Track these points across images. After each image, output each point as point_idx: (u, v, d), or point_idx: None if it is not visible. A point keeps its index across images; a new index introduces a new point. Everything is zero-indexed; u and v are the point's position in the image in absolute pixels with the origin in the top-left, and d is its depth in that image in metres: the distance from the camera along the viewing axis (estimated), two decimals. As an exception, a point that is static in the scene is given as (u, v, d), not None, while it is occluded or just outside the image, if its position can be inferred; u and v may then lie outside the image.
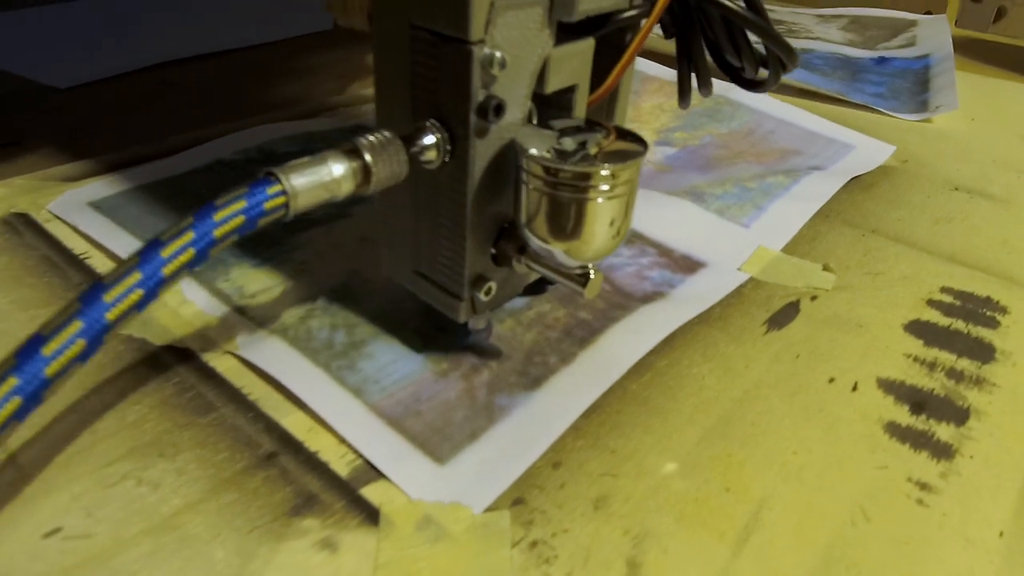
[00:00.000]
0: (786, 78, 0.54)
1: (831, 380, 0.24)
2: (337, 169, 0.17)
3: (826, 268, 0.30)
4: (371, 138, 0.18)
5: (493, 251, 0.22)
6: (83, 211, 0.31)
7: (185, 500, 0.18)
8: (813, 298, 0.28)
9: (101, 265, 0.28)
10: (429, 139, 0.19)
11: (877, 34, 0.68)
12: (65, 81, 0.47)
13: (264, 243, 0.29)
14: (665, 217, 0.32)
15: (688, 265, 0.29)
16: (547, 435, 0.21)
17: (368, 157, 0.17)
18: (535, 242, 0.20)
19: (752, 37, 0.24)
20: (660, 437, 0.21)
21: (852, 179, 0.38)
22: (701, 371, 0.24)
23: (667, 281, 0.28)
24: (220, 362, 0.23)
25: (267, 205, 0.16)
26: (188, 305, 0.26)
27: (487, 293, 0.22)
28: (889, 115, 0.48)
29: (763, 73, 0.26)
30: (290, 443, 0.20)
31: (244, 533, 0.17)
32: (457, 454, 0.20)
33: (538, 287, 0.27)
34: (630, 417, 0.22)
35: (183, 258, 0.16)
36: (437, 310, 0.23)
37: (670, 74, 0.50)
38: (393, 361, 0.23)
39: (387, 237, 0.23)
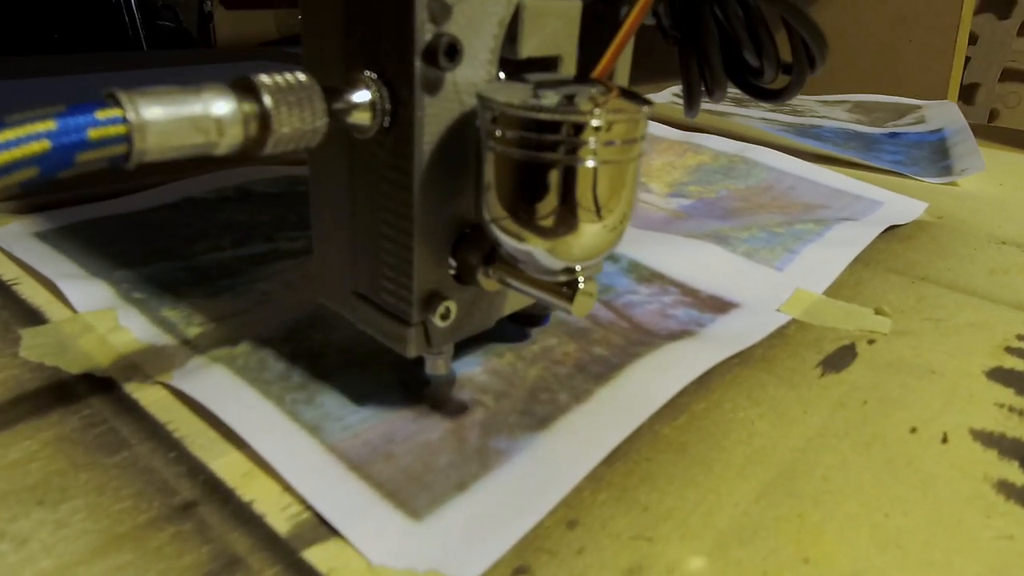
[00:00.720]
0: (798, 142, 0.52)
1: (913, 430, 0.19)
2: (218, 106, 0.12)
3: (879, 312, 0.26)
4: (277, 77, 0.13)
5: (453, 264, 0.17)
6: (24, 240, 0.27)
7: (58, 562, 0.13)
8: (870, 342, 0.24)
9: (31, 292, 0.23)
10: (361, 95, 0.14)
11: (883, 116, 0.67)
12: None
13: (223, 272, 0.25)
14: (686, 257, 0.28)
15: (718, 305, 0.25)
16: (558, 485, 0.16)
17: (267, 99, 0.13)
18: (503, 238, 0.15)
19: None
20: (706, 492, 0.16)
21: (887, 230, 0.34)
22: (749, 416, 0.19)
23: (695, 320, 0.24)
24: (145, 394, 0.18)
25: (92, 134, 0.11)
26: (121, 332, 0.21)
27: (444, 316, 0.17)
28: (913, 178, 0.45)
29: (780, 81, 0.23)
30: (217, 491, 0.15)
31: (129, 608, 0.12)
32: (438, 508, 0.15)
33: (536, 317, 0.22)
34: (664, 467, 0.17)
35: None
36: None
37: (678, 135, 0.48)
38: (362, 397, 0.19)
39: (319, 247, 0.18)
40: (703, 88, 0.22)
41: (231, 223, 0.30)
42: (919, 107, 0.70)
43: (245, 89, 0.13)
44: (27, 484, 0.15)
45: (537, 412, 0.18)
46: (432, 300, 0.16)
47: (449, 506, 0.15)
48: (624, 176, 0.14)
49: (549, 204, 0.14)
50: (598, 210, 0.14)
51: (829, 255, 0.30)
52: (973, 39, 1.06)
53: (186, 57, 0.79)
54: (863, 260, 0.31)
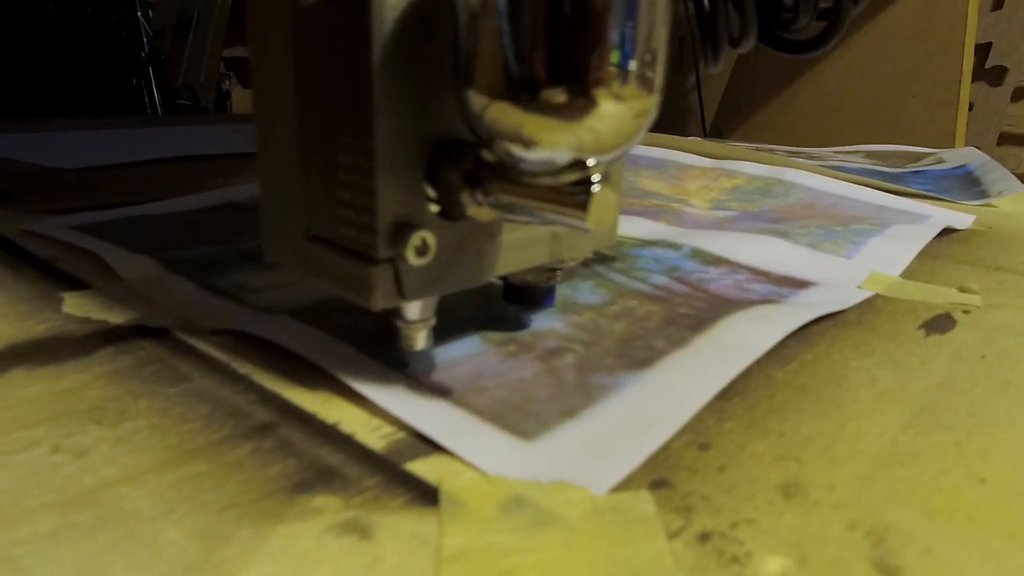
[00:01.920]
0: (829, 169, 0.52)
1: (1045, 377, 0.17)
2: None
3: (964, 290, 0.24)
4: None
5: (430, 192, 0.13)
6: (60, 230, 0.26)
7: (122, 471, 0.11)
8: (966, 311, 0.22)
9: (70, 266, 0.22)
10: None
11: (900, 160, 0.68)
12: (76, 163, 0.44)
13: (275, 252, 0.24)
14: (750, 246, 0.27)
15: (794, 283, 0.24)
16: (679, 411, 0.14)
17: None
18: (496, 127, 0.11)
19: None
20: (843, 423, 0.14)
21: (942, 233, 0.33)
22: (863, 364, 0.17)
23: (775, 293, 0.23)
24: (202, 340, 0.17)
25: None
26: (170, 293, 0.20)
27: (419, 251, 0.13)
28: (950, 201, 0.44)
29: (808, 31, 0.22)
30: (296, 414, 0.13)
31: (214, 512, 0.10)
32: (548, 430, 0.13)
33: (537, 292, 0.17)
34: (789, 403, 0.15)
35: None
36: (491, 299, 0.16)
37: (709, 163, 0.48)
38: (441, 342, 0.17)
39: (266, 191, 0.15)
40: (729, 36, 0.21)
41: (273, 220, 0.29)
42: (934, 152, 0.70)
43: None
44: (81, 408, 0.13)
45: (634, 355, 0.17)
46: (403, 231, 0.13)
47: (560, 429, 0.13)
48: (655, 19, 0.10)
49: (553, 63, 0.10)
50: (624, 60, 0.10)
51: (895, 246, 0.29)
52: (969, 106, 1.09)
53: (201, 120, 0.80)
54: (928, 255, 0.30)
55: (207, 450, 0.12)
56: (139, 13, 1.56)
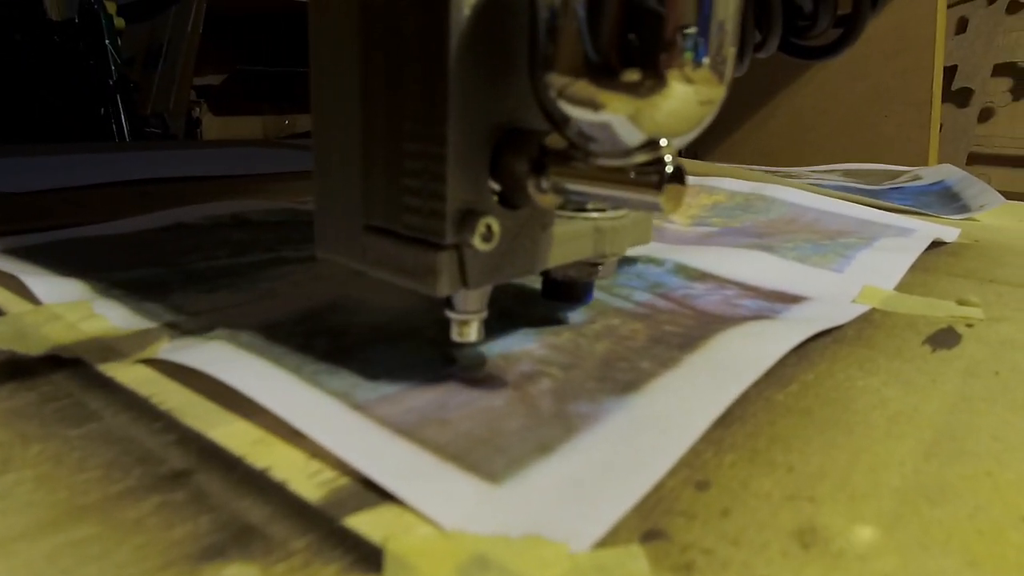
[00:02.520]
0: (810, 185, 0.51)
1: (1067, 395, 0.16)
2: None
3: (963, 302, 0.23)
4: None
5: (494, 185, 0.13)
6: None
7: (-15, 537, 0.09)
8: (969, 325, 0.21)
9: (-12, 292, 0.20)
10: None
11: (877, 178, 0.68)
12: (30, 187, 0.42)
13: (221, 274, 0.22)
14: (736, 261, 0.26)
15: (786, 298, 0.22)
16: (672, 444, 0.12)
17: None
18: (573, 110, 0.11)
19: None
20: (857, 452, 0.12)
21: (931, 246, 0.32)
22: (871, 384, 0.16)
23: (767, 308, 0.21)
24: (122, 371, 0.14)
25: None
26: (96, 320, 0.17)
27: (485, 237, 0.13)
28: (932, 215, 0.44)
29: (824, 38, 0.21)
30: (218, 459, 0.11)
31: (89, 589, 0.08)
32: (520, 471, 0.11)
33: (578, 288, 0.18)
34: (793, 430, 0.13)
35: None
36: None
37: (688, 180, 0.47)
38: (399, 368, 0.15)
39: (322, 185, 0.15)
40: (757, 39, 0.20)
41: (228, 241, 0.27)
42: (911, 170, 0.70)
43: None
44: (-45, 457, 0.11)
45: (619, 378, 0.15)
46: (469, 217, 0.13)
47: (534, 469, 0.11)
48: (727, 11, 0.11)
49: (631, 45, 0.10)
50: (700, 46, 0.10)
51: (886, 259, 0.28)
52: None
53: (168, 146, 0.78)
54: (920, 268, 0.28)
55: (101, 507, 0.10)
56: (107, 41, 1.54)
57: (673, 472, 0.11)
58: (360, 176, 0.14)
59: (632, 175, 0.11)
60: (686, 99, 0.11)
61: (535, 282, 0.22)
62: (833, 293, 0.23)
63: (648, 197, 0.11)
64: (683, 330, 0.18)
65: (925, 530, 0.10)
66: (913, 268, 0.28)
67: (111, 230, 0.28)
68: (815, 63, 0.20)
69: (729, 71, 0.11)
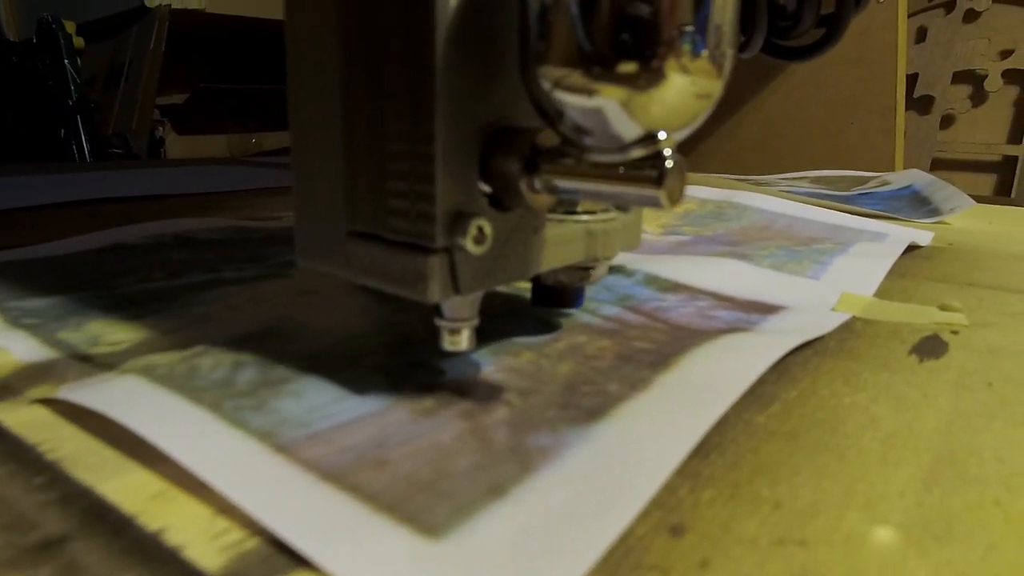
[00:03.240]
0: (781, 191, 0.50)
1: (1067, 406, 0.14)
2: None
3: (945, 308, 0.22)
4: None
5: (484, 187, 0.13)
6: None
7: None
8: (954, 332, 0.20)
9: None
10: None
11: (846, 184, 0.68)
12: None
13: (152, 298, 0.20)
14: (709, 270, 0.24)
15: (762, 308, 0.21)
16: (644, 479, 0.10)
17: None
18: (569, 99, 0.11)
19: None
20: (851, 484, 0.11)
21: (906, 251, 0.32)
22: (858, 401, 0.14)
23: (743, 320, 0.20)
24: (12, 414, 0.13)
25: None
26: (-2, 353, 0.15)
27: (477, 240, 0.12)
28: (903, 220, 0.43)
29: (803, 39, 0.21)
30: (104, 521, 0.09)
31: None
32: (466, 520, 0.09)
33: (569, 294, 0.17)
34: (778, 458, 0.12)
35: None
36: (411, 341, 0.14)
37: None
38: (337, 400, 0.13)
39: (302, 191, 0.14)
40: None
41: (167, 261, 0.25)
42: (878, 175, 0.71)
43: None
44: None
45: (583, 404, 0.13)
46: (459, 219, 0.12)
47: (482, 517, 0.10)
48: (725, 4, 0.10)
49: (637, 27, 0.10)
50: (698, 38, 0.10)
51: (863, 265, 0.27)
52: (901, 132, 1.12)
53: (128, 165, 0.75)
54: (897, 273, 0.27)
55: (-58, 591, 0.08)
56: (67, 61, 1.50)
57: (644, 515, 0.10)
58: (342, 180, 0.13)
59: (631, 169, 0.11)
60: (684, 91, 0.10)
61: (493, 301, 0.20)
62: (811, 301, 0.22)
63: (648, 192, 0.11)
64: (654, 346, 0.16)
65: (935, 574, 0.09)
66: (890, 273, 0.27)
67: (40, 253, 0.26)
68: (794, 64, 0.19)
69: (728, 65, 0.11)
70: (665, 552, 0.09)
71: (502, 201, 0.13)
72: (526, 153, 0.12)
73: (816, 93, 0.87)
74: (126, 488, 0.10)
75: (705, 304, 0.21)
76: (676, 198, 0.11)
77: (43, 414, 0.13)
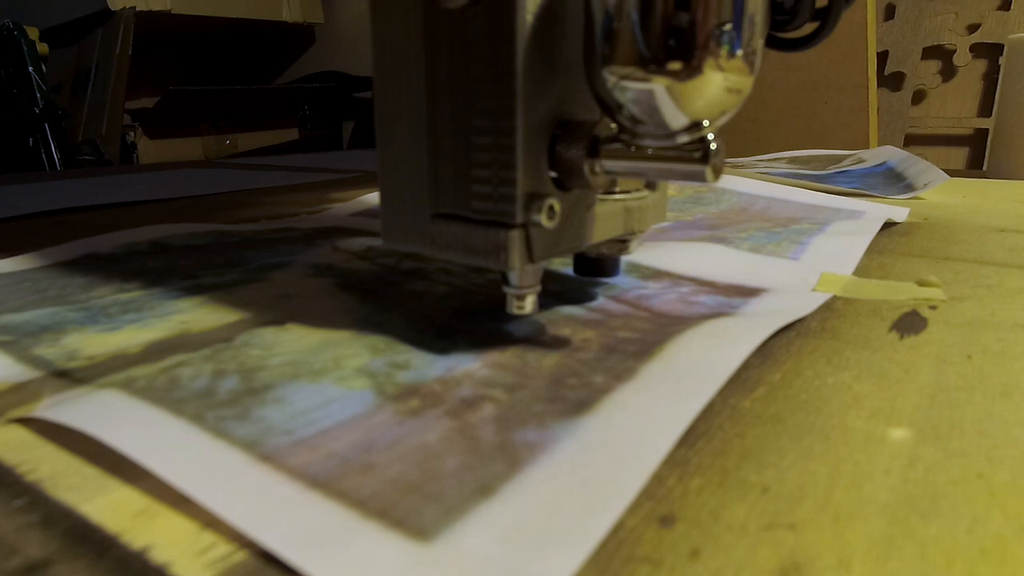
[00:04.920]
0: (758, 173, 0.50)
1: (1044, 376, 0.15)
2: None
3: (923, 283, 0.22)
4: None
5: (551, 171, 0.15)
6: None
7: None
8: (932, 307, 0.20)
9: None
10: None
11: (822, 163, 0.68)
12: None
13: (128, 309, 0.20)
14: (688, 256, 0.25)
15: (743, 291, 0.21)
16: (632, 471, 0.10)
17: None
18: (630, 91, 0.13)
19: None
20: (837, 464, 0.11)
21: (882, 227, 0.32)
22: (842, 380, 0.14)
23: (725, 304, 0.20)
24: (-9, 433, 0.12)
25: None
26: (-30, 373, 0.15)
27: (549, 215, 0.14)
28: (878, 197, 0.44)
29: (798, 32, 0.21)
30: (88, 541, 0.09)
31: None
32: (455, 522, 0.09)
33: (609, 263, 0.19)
34: (765, 441, 0.12)
35: None
36: (394, 341, 0.14)
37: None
38: (322, 405, 0.13)
39: (387, 179, 0.16)
40: None
41: (142, 270, 0.24)
42: (853, 153, 0.71)
43: None
44: None
45: (569, 397, 0.13)
46: (533, 199, 0.14)
47: (472, 517, 0.09)
48: (754, 14, 0.13)
49: (683, 35, 0.12)
50: (732, 43, 0.12)
51: (841, 243, 0.27)
52: (875, 109, 1.13)
53: (100, 172, 0.74)
54: (875, 250, 0.28)
55: (-79, 623, 0.08)
56: (31, 68, 1.47)
57: (634, 507, 0.10)
58: (427, 170, 0.15)
59: (681, 151, 0.13)
60: (723, 87, 0.13)
61: (476, 297, 0.20)
62: (791, 282, 0.22)
63: (695, 168, 0.13)
64: (638, 335, 0.16)
65: (922, 553, 0.09)
66: (869, 250, 0.27)
67: (10, 267, 0.25)
68: (790, 54, 0.21)
69: (758, 62, 0.13)
70: (656, 543, 0.09)
71: (565, 183, 0.15)
72: (588, 141, 0.14)
73: (788, 75, 0.87)
74: (109, 506, 0.10)
75: (687, 290, 0.21)
76: (718, 172, 0.13)
77: (21, 434, 0.12)
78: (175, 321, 0.18)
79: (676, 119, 0.13)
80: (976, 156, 1.18)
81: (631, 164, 0.14)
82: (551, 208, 0.14)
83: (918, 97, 1.22)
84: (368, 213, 0.37)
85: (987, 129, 1.13)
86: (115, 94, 1.50)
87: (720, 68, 0.12)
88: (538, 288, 0.15)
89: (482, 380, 0.14)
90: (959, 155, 1.20)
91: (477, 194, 0.15)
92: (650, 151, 0.13)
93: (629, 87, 0.13)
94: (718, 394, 0.13)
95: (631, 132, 0.14)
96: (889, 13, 1.22)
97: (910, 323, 0.18)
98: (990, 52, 1.12)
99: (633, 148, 0.14)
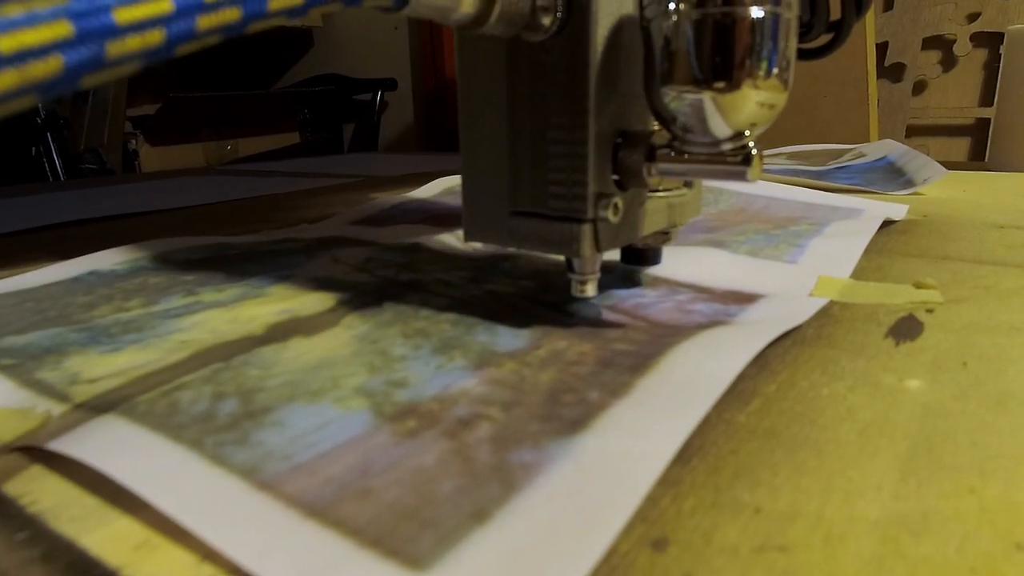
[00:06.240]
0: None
1: (1039, 382, 0.15)
2: None
3: (920, 286, 0.22)
4: None
5: (613, 175, 0.17)
6: None
7: None
8: (929, 311, 0.20)
9: None
10: None
11: (821, 159, 0.68)
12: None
13: (128, 329, 0.20)
14: (686, 261, 0.25)
15: (740, 298, 0.21)
16: (625, 492, 0.10)
17: None
18: (683, 104, 0.15)
19: None
20: (830, 478, 0.11)
21: (882, 227, 0.32)
22: (837, 391, 0.14)
23: (722, 312, 0.20)
24: (-6, 463, 0.12)
25: None
26: (-26, 400, 0.15)
27: (615, 211, 0.17)
28: (877, 193, 0.44)
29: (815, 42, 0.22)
30: (89, 575, 0.09)
31: None
32: (451, 549, 0.10)
33: (652, 253, 0.22)
34: (758, 457, 0.12)
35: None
36: (392, 359, 0.14)
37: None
38: (320, 427, 0.13)
39: (471, 183, 0.19)
40: None
41: (144, 287, 0.25)
42: (853, 147, 0.71)
43: None
44: None
45: (565, 415, 0.13)
46: (600, 198, 0.17)
47: (467, 544, 0.10)
48: (785, 30, 0.15)
49: (726, 59, 0.15)
50: (761, 59, 0.14)
51: (839, 245, 0.27)
52: (876, 100, 1.12)
53: (104, 183, 0.74)
54: (873, 250, 0.28)
55: (-74, 663, 0.08)
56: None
57: (627, 530, 0.10)
58: (507, 173, 0.18)
59: (726, 156, 0.16)
60: (760, 101, 0.15)
61: (473, 310, 0.20)
62: (789, 287, 0.22)
63: (737, 168, 0.15)
64: (634, 347, 0.17)
65: (912, 573, 0.09)
66: (867, 251, 0.27)
67: (13, 285, 0.25)
68: (809, 62, 0.23)
69: (791, 79, 0.15)
70: (648, 568, 0.09)
71: (625, 184, 0.17)
72: (647, 148, 0.17)
73: (788, 68, 0.87)
74: (110, 538, 0.10)
75: (684, 298, 0.21)
76: (758, 174, 0.15)
77: (23, 462, 0.12)
78: (175, 341, 0.19)
79: (721, 129, 0.15)
80: (978, 145, 1.17)
81: (683, 166, 0.16)
82: (616, 205, 0.17)
83: (919, 88, 1.21)
84: (367, 221, 0.37)
85: (989, 118, 1.12)
86: (116, 102, 1.50)
87: (757, 87, 0.15)
88: (598, 274, 0.18)
89: (478, 398, 0.14)
90: (961, 145, 1.19)
91: (553, 194, 0.17)
92: (699, 155, 0.16)
93: (682, 101, 0.15)
94: (713, 408, 0.14)
95: (682, 140, 0.16)
96: (888, 3, 1.21)
97: (906, 328, 0.18)
98: (991, 41, 1.12)
99: (684, 154, 0.16)
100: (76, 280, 0.26)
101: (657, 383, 0.14)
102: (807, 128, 0.87)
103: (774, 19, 0.14)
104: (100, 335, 0.19)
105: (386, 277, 0.24)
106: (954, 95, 1.18)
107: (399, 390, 0.15)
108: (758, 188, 0.41)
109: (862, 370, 0.16)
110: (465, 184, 0.19)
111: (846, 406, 0.14)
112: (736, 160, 0.15)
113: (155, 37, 0.09)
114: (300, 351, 0.17)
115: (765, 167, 0.59)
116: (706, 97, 0.15)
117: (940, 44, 1.16)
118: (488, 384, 0.15)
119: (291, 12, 0.11)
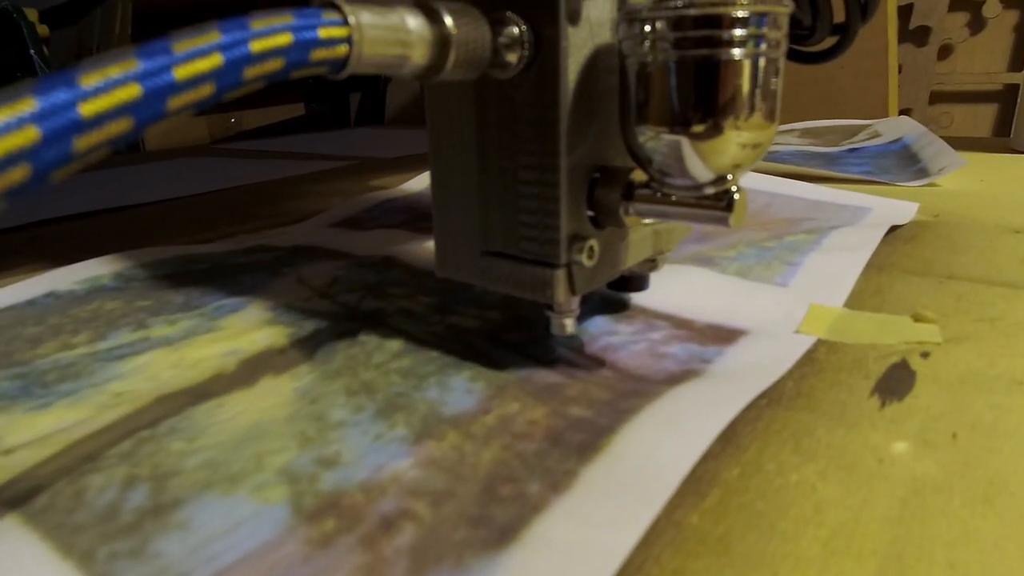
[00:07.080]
0: (762, 162, 0.48)
1: (1037, 466, 0.13)
2: (412, 22, 0.13)
3: (919, 318, 0.20)
4: (453, 7, 0.14)
5: (589, 211, 0.16)
6: None
7: None
8: (924, 355, 0.18)
9: None
10: (512, 30, 0.15)
11: (835, 137, 0.65)
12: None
13: (65, 376, 0.19)
14: (669, 284, 0.23)
15: (720, 335, 0.20)
16: (540, 646, 0.09)
17: (448, 21, 0.13)
18: (660, 147, 0.14)
19: None
20: (781, 618, 0.10)
21: (888, 232, 0.30)
22: (805, 477, 0.13)
23: (697, 356, 0.18)
24: None
25: (321, 33, 0.11)
26: None
27: (589, 255, 0.16)
28: (889, 184, 0.41)
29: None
30: None
31: None
32: None
33: (639, 279, 0.20)
34: (705, 581, 0.11)
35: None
36: (327, 427, 0.13)
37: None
38: (228, 530, 0.12)
39: (440, 218, 0.18)
40: None
41: (97, 314, 0.24)
42: (869, 124, 0.68)
43: (427, 11, 0.13)
44: None
45: (496, 518, 0.12)
46: (575, 241, 0.16)
47: None
48: (769, 69, 0.14)
49: (706, 102, 0.14)
50: (744, 101, 0.13)
51: (836, 262, 0.25)
52: (898, 68, 1.08)
53: (109, 162, 0.73)
54: (874, 265, 0.26)
55: None
56: (32, 51, 1.46)
57: None
58: (478, 212, 0.17)
59: (706, 199, 0.15)
60: (743, 143, 0.14)
61: (429, 354, 0.19)
62: (776, 318, 0.21)
63: (719, 214, 0.14)
64: (591, 415, 0.15)
65: None
66: (867, 266, 0.26)
67: (-34, 313, 0.25)
68: (814, 66, 0.21)
69: (777, 111, 0.14)
70: None
71: (601, 222, 0.16)
72: (624, 186, 0.16)
73: (803, 37, 0.83)
74: None
75: (659, 337, 0.20)
76: (740, 220, 0.14)
77: (-95, 573, 0.11)
78: (110, 393, 0.18)
79: (701, 173, 0.14)
80: (1006, 114, 1.12)
81: (662, 207, 0.15)
82: (591, 249, 0.16)
83: (944, 52, 1.16)
84: (348, 223, 0.35)
85: (1018, 84, 1.07)
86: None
87: (738, 128, 0.14)
88: (577, 310, 0.17)
89: (409, 486, 0.13)
90: (987, 113, 1.14)
91: (524, 236, 0.16)
92: (678, 198, 0.15)
93: (659, 142, 0.14)
94: (667, 505, 0.12)
95: (660, 182, 0.15)
96: (914, -37, 1.15)
97: (895, 381, 0.17)
98: (1021, 2, 1.06)
99: (661, 195, 0.15)
100: (31, 304, 0.25)
101: (603, 474, 0.13)
102: (824, 100, 0.84)
103: (757, 60, 0.13)
104: (33, 384, 0.18)
105: (348, 305, 0.23)
106: (982, 60, 1.12)
107: (327, 472, 0.14)
108: (761, 183, 0.39)
109: (839, 444, 0.14)
110: (436, 220, 0.18)
111: (812, 501, 0.12)
112: (719, 205, 0.14)
113: (123, 125, 0.09)
114: (235, 411, 0.16)
115: (775, 149, 0.56)
116: (684, 140, 0.14)
117: (968, 5, 1.10)
118: (423, 466, 0.14)
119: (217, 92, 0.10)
